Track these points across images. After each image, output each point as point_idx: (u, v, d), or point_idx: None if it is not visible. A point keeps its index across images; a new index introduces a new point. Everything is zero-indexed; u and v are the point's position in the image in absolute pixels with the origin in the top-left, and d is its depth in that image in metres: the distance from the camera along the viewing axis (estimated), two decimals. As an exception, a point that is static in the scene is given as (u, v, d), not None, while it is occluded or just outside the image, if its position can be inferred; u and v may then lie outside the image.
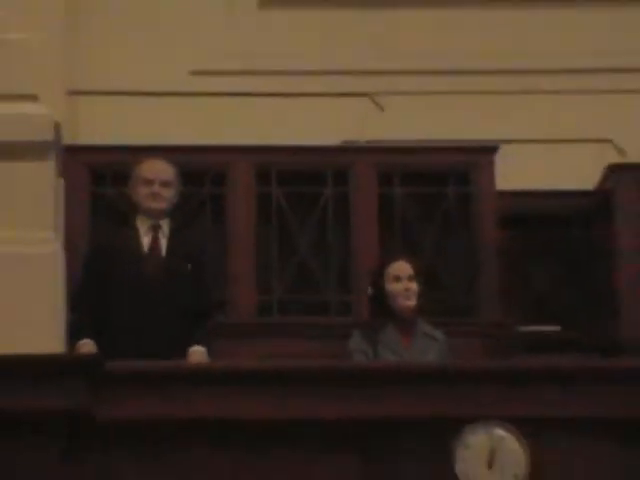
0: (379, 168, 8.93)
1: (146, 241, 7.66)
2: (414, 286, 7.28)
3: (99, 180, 9.40)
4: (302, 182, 9.04)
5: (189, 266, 7.61)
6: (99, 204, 9.32)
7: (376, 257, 8.52)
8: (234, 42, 10.27)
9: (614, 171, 9.18)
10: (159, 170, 7.60)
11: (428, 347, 7.65)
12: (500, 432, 5.31)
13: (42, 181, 7.99)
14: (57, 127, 7.73)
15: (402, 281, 7.27)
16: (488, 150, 8.75)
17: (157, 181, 7.46)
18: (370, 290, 7.62)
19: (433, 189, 8.85)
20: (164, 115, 9.58)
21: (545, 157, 9.69)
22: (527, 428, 5.20)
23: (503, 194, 8.64)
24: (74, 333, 7.52)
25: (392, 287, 7.28)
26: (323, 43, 10.23)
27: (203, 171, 9.21)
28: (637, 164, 9.49)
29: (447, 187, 8.81)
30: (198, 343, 7.27)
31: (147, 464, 5.58)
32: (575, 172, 9.33)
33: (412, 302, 7.27)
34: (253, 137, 9.20)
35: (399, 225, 8.81)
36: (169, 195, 7.49)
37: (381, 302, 7.51)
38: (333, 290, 8.84)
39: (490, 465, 5.76)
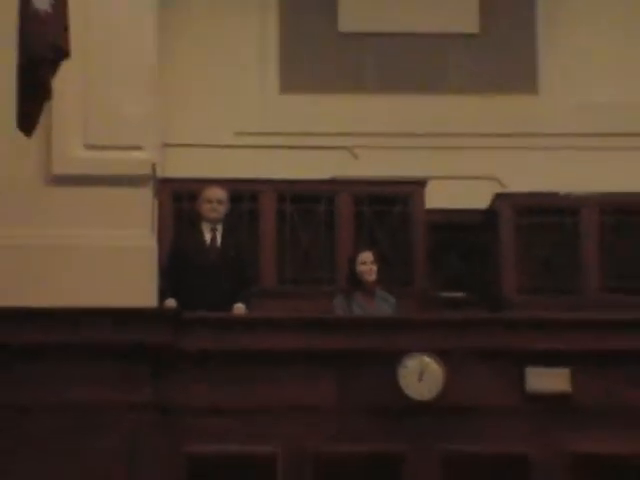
0: (354, 195, 10.79)
1: (207, 237, 9.16)
2: (374, 267, 9.05)
3: (178, 199, 11.02)
4: (306, 202, 10.85)
5: (234, 253, 9.26)
6: (178, 214, 11.00)
7: (351, 249, 10.08)
8: (262, 113, 12.35)
9: (499, 197, 11.05)
10: (216, 193, 9.10)
11: (384, 306, 9.30)
12: (426, 359, 7.37)
13: (144, 199, 9.29)
14: (154, 166, 9.14)
15: (367, 264, 9.06)
16: (421, 183, 10.62)
17: (214, 200, 8.98)
18: (347, 270, 9.37)
19: (388, 207, 10.69)
20: (219, 158, 11.43)
21: (464, 190, 11.55)
22: (443, 356, 7.50)
23: (430, 211, 10.59)
24: (163, 296, 8.91)
25: (360, 268, 9.05)
26: (319, 116, 12.05)
27: (243, 194, 10.73)
28: (512, 193, 11.24)
29: (396, 206, 10.71)
30: (240, 302, 8.87)
31: (215, 382, 7.76)
32: (475, 197, 11.13)
33: (373, 278, 9.02)
34: (276, 172, 10.96)
35: (366, 229, 10.59)
36: (222, 210, 9.13)
37: (354, 278, 9.19)
38: (324, 270, 10.60)
39: (420, 379, 7.65)
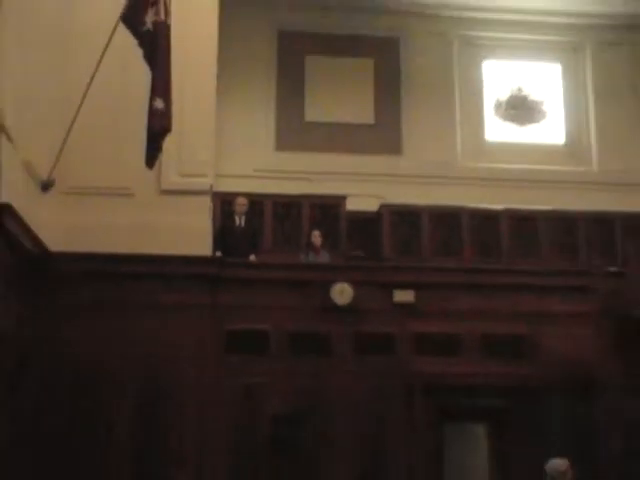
0: (311, 203, 12.16)
1: (237, 221, 11.06)
2: (320, 239, 11.10)
3: (225, 204, 11.79)
4: (288, 207, 12.06)
5: (250, 230, 11.08)
6: (223, 211, 11.77)
7: (309, 230, 11.64)
8: (265, 162, 13.42)
9: (382, 206, 12.22)
10: (241, 200, 11.10)
11: (324, 257, 11.11)
12: (345, 284, 10.20)
13: (204, 204, 10.56)
14: (211, 186, 10.69)
15: (316, 237, 11.11)
16: (344, 197, 12.18)
17: (241, 204, 11.04)
18: (307, 240, 11.30)
19: (328, 210, 12.07)
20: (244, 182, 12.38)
21: (366, 202, 12.43)
22: (353, 283, 10.21)
23: (349, 212, 12.05)
24: (215, 251, 10.61)
25: (313, 239, 11.12)
26: (300, 166, 13.31)
27: (255, 201, 11.75)
28: (390, 203, 12.21)
29: (332, 209, 12.10)
30: (253, 254, 10.81)
31: (256, 300, 10.15)
32: (371, 206, 12.26)
33: (319, 243, 11.09)
34: (273, 190, 12.38)
35: (317, 221, 11.90)
36: (244, 209, 11.04)
37: (310, 244, 11.15)
38: (296, 240, 11.91)
39: (342, 295, 10.14)
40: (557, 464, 8.24)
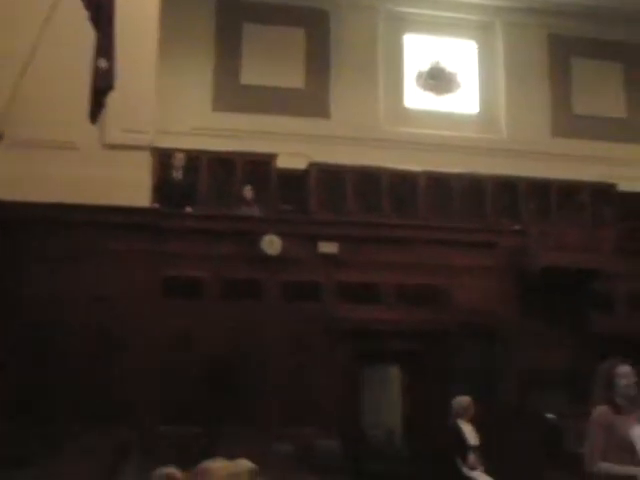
0: (246, 160, 11.97)
1: (175, 175, 10.89)
2: (251, 193, 11.13)
3: (164, 159, 11.45)
4: (222, 162, 11.97)
5: (185, 183, 11.05)
6: (162, 164, 11.45)
7: (242, 185, 11.59)
8: (202, 121, 13.29)
9: (311, 164, 12.13)
10: (179, 155, 10.90)
11: (256, 210, 11.16)
12: (273, 236, 10.30)
13: (144, 159, 10.69)
14: (151, 142, 10.79)
15: (248, 191, 11.15)
16: (274, 156, 11.98)
17: (179, 159, 10.85)
18: (242, 195, 11.28)
19: (261, 167, 11.89)
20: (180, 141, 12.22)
21: (297, 160, 12.26)
22: (281, 235, 10.32)
23: (279, 169, 11.97)
24: (153, 200, 10.76)
25: (245, 193, 11.09)
26: (235, 125, 13.21)
27: (192, 155, 11.57)
28: (317, 162, 12.15)
29: (264, 166, 11.96)
30: (189, 206, 10.86)
31: (192, 249, 10.10)
32: (298, 164, 12.16)
33: (250, 197, 11.16)
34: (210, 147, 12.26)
35: (251, 178, 11.70)
36: (182, 163, 10.85)
37: (242, 198, 11.17)
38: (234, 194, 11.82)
39: (271, 245, 10.20)
40: (461, 401, 8.97)
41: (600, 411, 5.23)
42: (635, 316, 11.89)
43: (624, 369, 5.18)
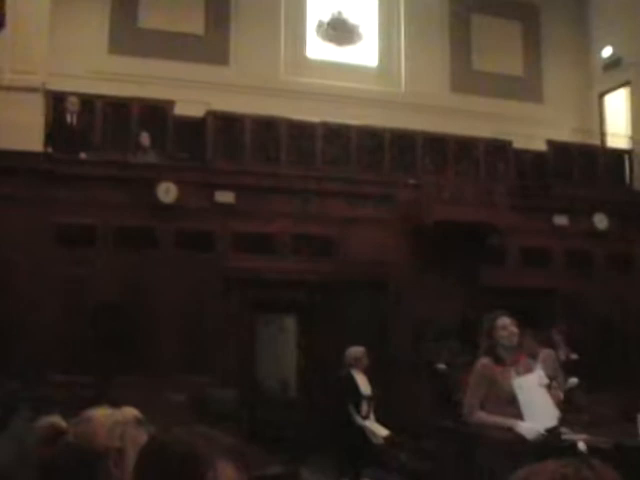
0: (142, 104, 11.78)
1: (69, 120, 10.66)
2: (148, 140, 10.96)
3: (57, 102, 11.04)
4: (115, 109, 11.60)
5: (79, 127, 10.83)
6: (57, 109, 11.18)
7: (137, 133, 11.29)
8: (98, 64, 12.80)
9: (208, 112, 11.94)
10: (74, 100, 10.61)
11: (151, 156, 10.97)
12: (169, 184, 10.23)
13: (36, 101, 10.29)
14: (43, 84, 10.32)
15: (145, 139, 10.89)
16: (172, 102, 11.69)
17: (72, 102, 10.56)
18: (135, 142, 11.13)
19: (158, 112, 11.77)
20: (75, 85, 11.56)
21: (200, 107, 11.97)
22: (177, 182, 10.44)
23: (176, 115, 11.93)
24: (46, 145, 10.58)
25: (142, 141, 10.91)
26: (132, 69, 12.77)
27: (89, 102, 11.34)
28: (216, 111, 11.88)
29: (161, 111, 11.80)
30: (83, 151, 10.60)
31: (86, 196, 9.95)
32: (197, 112, 11.99)
33: (147, 145, 10.94)
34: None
35: (151, 124, 11.60)
36: (76, 107, 10.63)
37: (137, 146, 11.04)
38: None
39: (167, 193, 9.21)
40: (354, 351, 9.03)
41: (482, 362, 5.39)
42: (526, 270, 12.38)
43: (503, 321, 5.30)
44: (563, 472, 1.20)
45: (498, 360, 5.33)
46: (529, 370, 5.39)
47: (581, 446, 5.55)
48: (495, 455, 5.07)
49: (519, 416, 5.17)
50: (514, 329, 5.34)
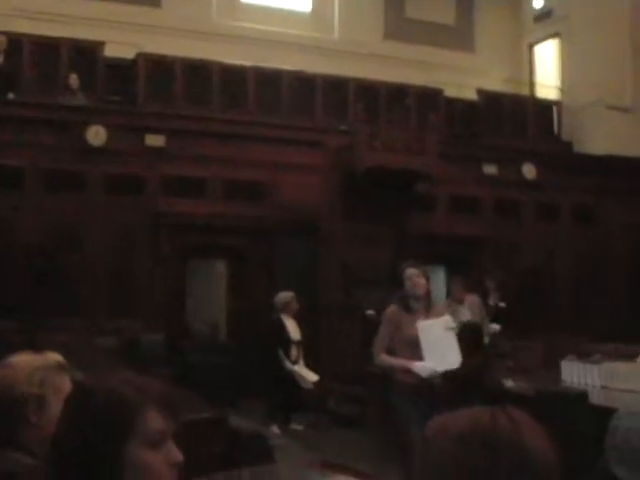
0: (77, 47, 11.50)
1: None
2: (77, 82, 10.74)
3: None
4: (44, 49, 11.31)
5: (10, 69, 10.45)
6: None
7: (66, 74, 11.03)
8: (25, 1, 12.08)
9: (138, 55, 11.85)
10: (1, 39, 10.34)
11: (81, 100, 10.79)
12: (98, 127, 10.16)
13: None
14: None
15: (74, 80, 10.68)
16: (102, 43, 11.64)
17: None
18: (63, 83, 10.89)
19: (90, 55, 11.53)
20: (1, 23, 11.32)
21: (128, 49, 11.81)
22: (108, 127, 10.32)
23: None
24: None
25: (71, 82, 10.67)
26: (61, 9, 12.13)
27: (17, 42, 11.03)
28: (148, 54, 11.70)
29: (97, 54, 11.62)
30: (11, 92, 10.27)
31: (13, 138, 9.62)
32: (127, 53, 11.82)
33: (76, 86, 10.78)
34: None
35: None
36: (3, 47, 10.28)
37: (66, 87, 10.80)
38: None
39: (96, 136, 9.12)
40: (283, 296, 9.13)
41: (391, 309, 5.66)
42: (455, 218, 12.56)
43: (409, 272, 5.52)
44: (478, 419, 1.20)
45: (408, 309, 5.57)
46: (439, 316, 5.59)
47: (508, 383, 6.26)
48: (401, 396, 5.42)
49: (421, 358, 5.42)
50: (419, 280, 5.56)
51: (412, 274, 5.53)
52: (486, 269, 11.22)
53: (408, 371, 5.40)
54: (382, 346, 5.59)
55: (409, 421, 5.23)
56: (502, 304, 10.45)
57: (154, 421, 1.55)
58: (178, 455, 1.58)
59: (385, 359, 5.57)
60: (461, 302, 9.03)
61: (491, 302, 10.38)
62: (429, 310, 5.62)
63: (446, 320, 5.55)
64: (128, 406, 1.54)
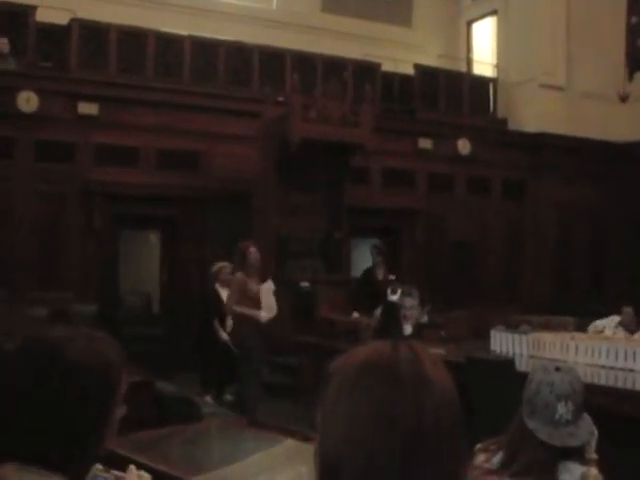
0: None
1: None
2: (7, 47, 10.38)
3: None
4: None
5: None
6: None
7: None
8: None
9: (73, 20, 11.48)
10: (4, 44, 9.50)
11: (13, 66, 10.43)
12: (29, 93, 9.92)
13: None
14: None
15: (4, 45, 10.34)
16: (33, 8, 11.13)
17: None
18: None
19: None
20: None
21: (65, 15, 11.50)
22: (40, 93, 10.02)
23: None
24: None
25: (1, 47, 10.37)
26: None
27: None
28: (81, 19, 11.37)
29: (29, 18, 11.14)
30: None
31: None
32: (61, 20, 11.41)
33: (6, 51, 10.43)
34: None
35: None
36: None
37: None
38: None
39: (27, 102, 8.97)
40: (218, 267, 8.98)
41: (238, 276, 7.74)
42: (389, 191, 12.76)
43: (252, 249, 7.71)
44: (381, 350, 1.20)
45: (249, 275, 7.70)
46: (264, 281, 7.91)
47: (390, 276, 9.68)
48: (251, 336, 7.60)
49: (259, 308, 7.73)
50: (257, 255, 7.76)
51: (252, 250, 7.64)
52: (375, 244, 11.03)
53: (252, 315, 7.61)
54: (233, 301, 7.64)
55: None
56: (392, 277, 10.37)
57: (125, 382, 1.62)
58: (124, 409, 1.64)
59: (237, 309, 7.63)
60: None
61: (379, 276, 10.40)
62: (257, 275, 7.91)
63: (270, 284, 7.77)
64: (115, 366, 1.59)
